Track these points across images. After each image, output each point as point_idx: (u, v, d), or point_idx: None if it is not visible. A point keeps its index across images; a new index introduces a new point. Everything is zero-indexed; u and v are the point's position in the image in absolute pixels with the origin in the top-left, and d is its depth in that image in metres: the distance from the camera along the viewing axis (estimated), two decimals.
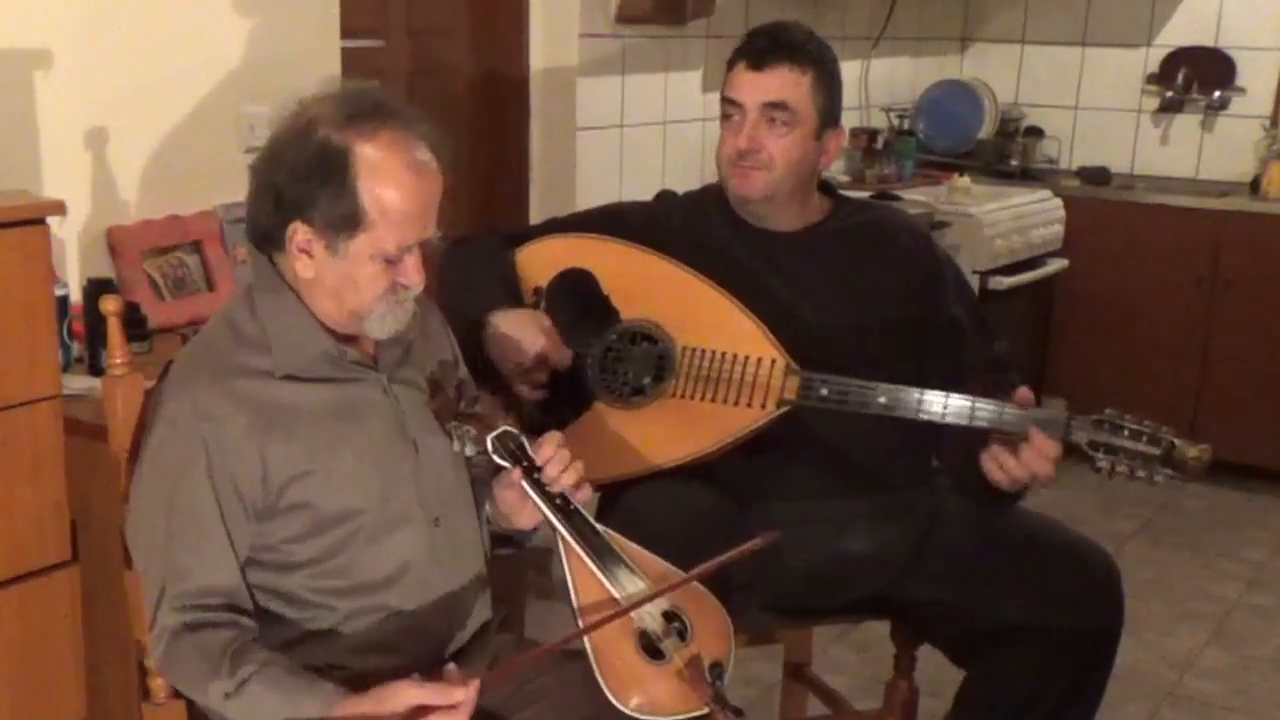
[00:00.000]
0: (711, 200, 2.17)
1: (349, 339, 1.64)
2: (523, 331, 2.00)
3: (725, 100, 2.09)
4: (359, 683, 1.53)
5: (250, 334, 1.60)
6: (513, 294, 2.10)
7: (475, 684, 1.45)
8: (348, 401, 1.62)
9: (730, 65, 2.10)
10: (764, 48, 2.06)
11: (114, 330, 1.69)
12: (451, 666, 1.50)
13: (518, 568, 2.44)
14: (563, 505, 1.64)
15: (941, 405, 1.88)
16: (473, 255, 2.15)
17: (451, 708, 1.44)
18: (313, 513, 1.58)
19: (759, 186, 2.07)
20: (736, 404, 1.98)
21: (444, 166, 1.59)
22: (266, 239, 1.60)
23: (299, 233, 1.55)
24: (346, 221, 1.53)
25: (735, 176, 2.08)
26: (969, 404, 1.87)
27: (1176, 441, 1.80)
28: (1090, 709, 2.05)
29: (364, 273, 1.56)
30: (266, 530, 1.58)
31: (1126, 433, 1.82)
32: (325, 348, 1.60)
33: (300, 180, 1.53)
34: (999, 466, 1.88)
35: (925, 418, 1.89)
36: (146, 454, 1.59)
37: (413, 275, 1.59)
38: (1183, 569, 3.82)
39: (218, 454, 1.54)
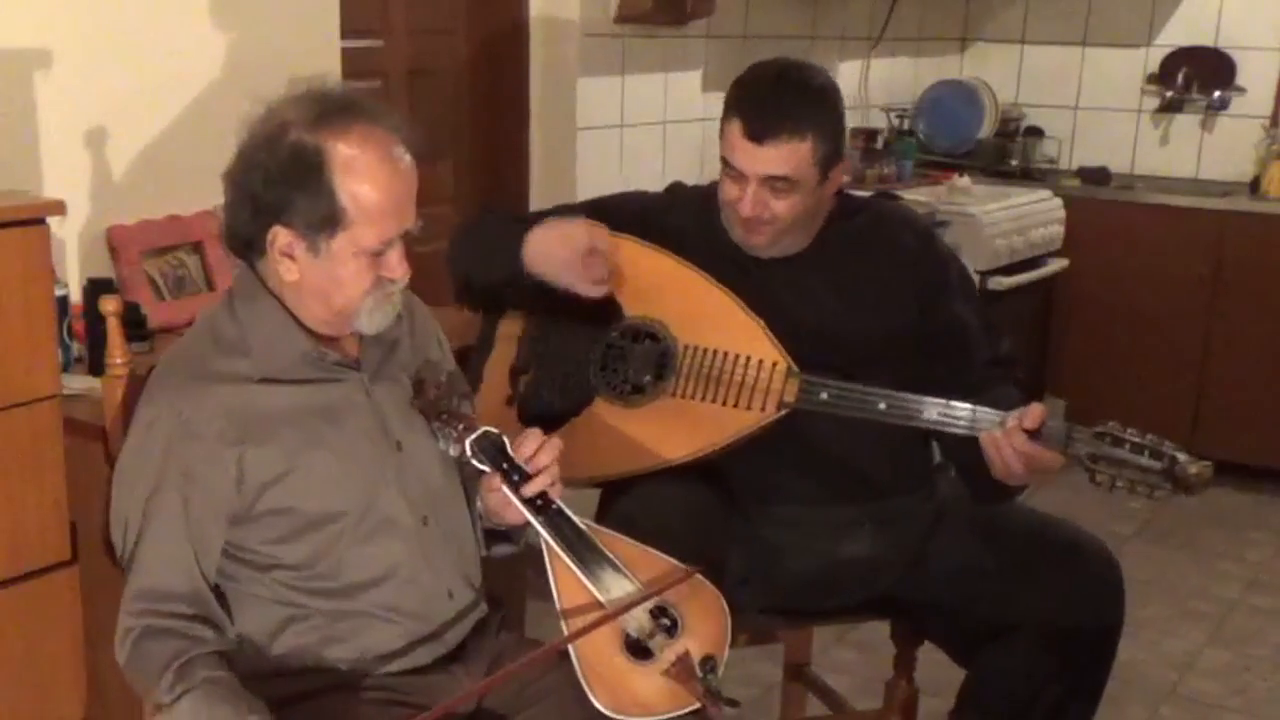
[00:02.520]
0: (719, 201, 2.16)
1: (330, 340, 1.64)
2: (563, 231, 2.00)
3: (724, 159, 2.02)
4: (350, 684, 1.54)
5: (230, 338, 1.60)
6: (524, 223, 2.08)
7: None
8: (327, 402, 1.62)
9: (727, 113, 2.01)
10: (761, 116, 1.96)
11: (114, 330, 1.70)
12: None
13: (517, 568, 2.44)
14: (543, 506, 1.64)
15: (941, 412, 1.88)
16: (489, 219, 2.15)
17: None
18: (293, 515, 1.58)
19: (763, 240, 2.05)
20: (736, 405, 1.98)
21: (419, 157, 1.59)
22: (247, 247, 1.60)
23: (279, 237, 1.55)
24: (326, 221, 1.53)
25: (740, 229, 2.05)
26: (970, 411, 1.87)
27: (1179, 456, 1.76)
28: (1090, 706, 2.05)
29: (348, 270, 1.56)
30: (244, 534, 1.58)
31: (1128, 447, 1.78)
32: (305, 349, 1.60)
33: (276, 185, 1.53)
34: (996, 451, 1.85)
35: (925, 424, 1.89)
36: (123, 457, 1.60)
37: (396, 268, 1.59)
38: (1183, 569, 3.82)
39: (192, 460, 1.54)
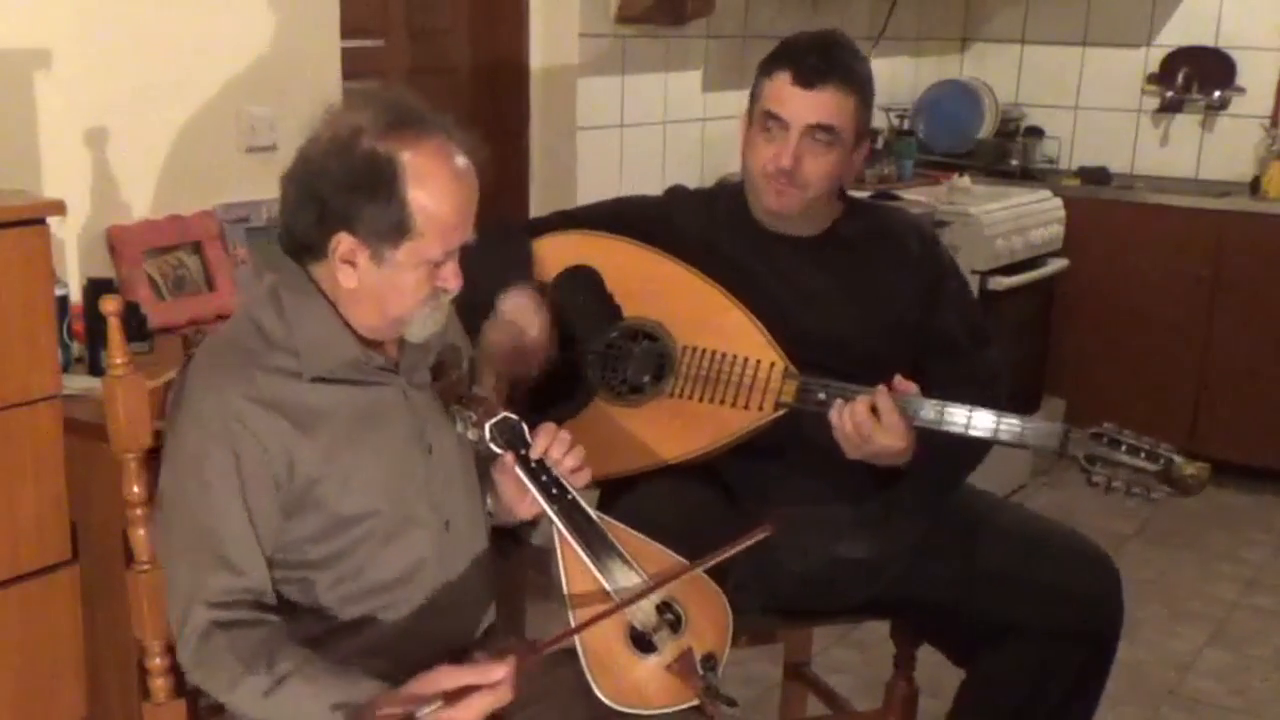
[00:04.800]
0: (724, 201, 2.16)
1: (374, 344, 1.64)
2: (518, 317, 1.99)
3: (767, 114, 2.02)
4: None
5: (277, 335, 1.59)
6: (526, 274, 2.09)
7: (513, 660, 1.45)
8: (370, 405, 1.62)
9: (769, 71, 2.03)
10: (816, 66, 1.98)
11: (114, 330, 1.69)
12: (480, 653, 1.49)
13: (518, 567, 2.44)
14: (558, 495, 1.64)
15: (937, 412, 1.88)
16: (490, 241, 2.14)
17: (492, 686, 1.44)
18: (330, 514, 1.58)
19: (794, 204, 2.05)
20: (734, 405, 1.99)
21: (479, 169, 1.60)
22: (305, 250, 1.59)
23: (343, 244, 1.54)
24: (394, 231, 1.52)
25: (770, 192, 2.04)
26: (965, 411, 1.87)
27: (1175, 458, 1.77)
28: (1090, 708, 2.06)
29: (408, 280, 1.56)
30: (288, 528, 1.58)
31: (1124, 448, 1.80)
32: (354, 354, 1.60)
33: (347, 191, 1.52)
34: (839, 414, 1.88)
35: (921, 423, 1.89)
36: (174, 452, 1.57)
37: (451, 280, 1.59)
38: (1183, 569, 3.82)
39: (247, 452, 1.53)
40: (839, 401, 1.89)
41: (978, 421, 1.86)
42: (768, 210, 2.07)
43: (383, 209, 1.51)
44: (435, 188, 1.53)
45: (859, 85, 2.01)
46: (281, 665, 1.48)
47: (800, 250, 2.10)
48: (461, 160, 1.56)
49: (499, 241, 2.12)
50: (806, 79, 1.98)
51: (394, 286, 1.56)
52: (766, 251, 2.10)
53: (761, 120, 2.03)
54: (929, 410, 1.88)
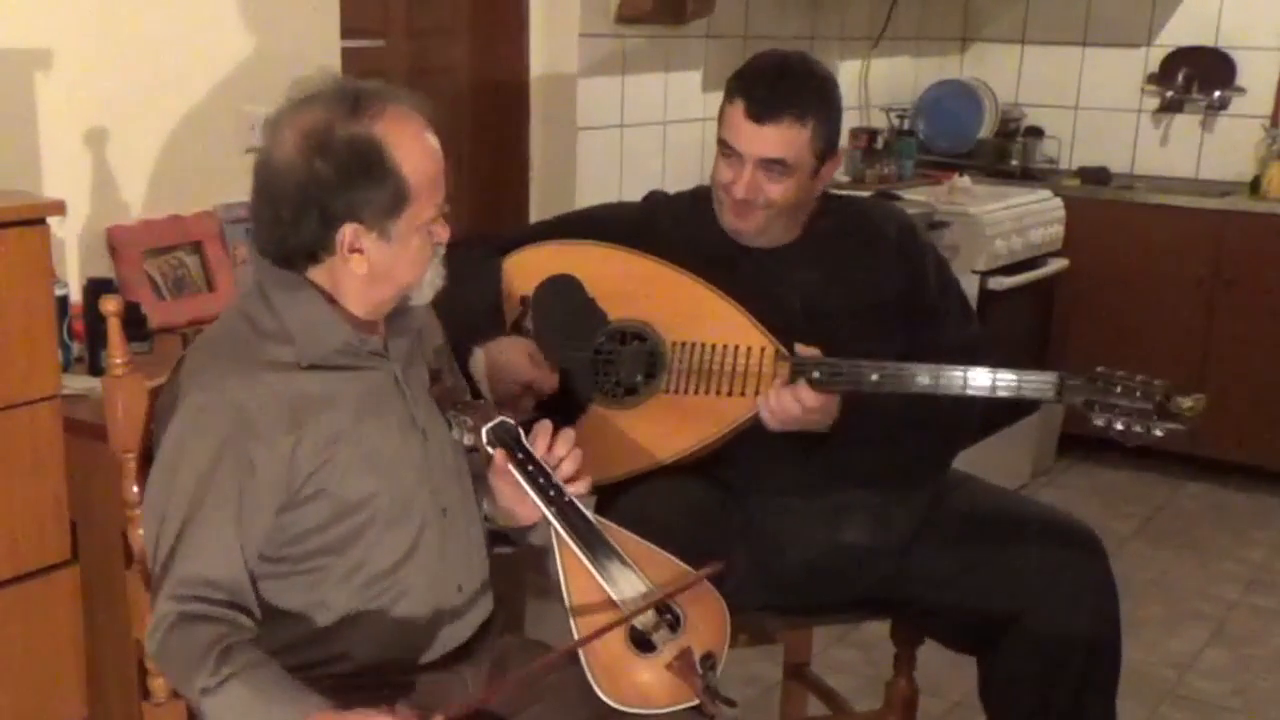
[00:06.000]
0: (703, 201, 2.17)
1: (365, 328, 1.64)
2: (512, 360, 2.01)
3: (723, 141, 2.05)
4: (367, 673, 1.54)
5: (270, 328, 1.59)
6: (498, 310, 2.10)
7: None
8: (366, 391, 1.62)
9: (729, 95, 2.04)
10: (765, 98, 1.99)
11: (114, 330, 1.69)
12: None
13: (518, 568, 2.44)
14: (556, 497, 1.65)
15: (933, 377, 1.89)
16: (462, 271, 2.15)
17: None
18: (333, 499, 1.58)
19: (754, 226, 2.07)
20: (730, 394, 1.99)
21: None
22: (309, 257, 1.59)
23: (349, 234, 1.56)
24: (395, 204, 1.55)
25: (731, 212, 2.07)
26: (960, 374, 1.88)
27: (1171, 392, 1.82)
28: (1109, 695, 2.05)
29: (413, 246, 1.59)
30: (289, 522, 1.57)
31: (1119, 389, 1.83)
32: (346, 337, 1.61)
33: (345, 185, 1.53)
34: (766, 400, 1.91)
35: (918, 389, 1.90)
36: (169, 443, 1.56)
37: (443, 232, 1.64)
38: (1183, 569, 3.82)
39: (246, 445, 1.53)
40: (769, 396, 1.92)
41: (974, 379, 1.87)
42: (731, 230, 2.09)
43: (380, 188, 1.54)
44: (414, 150, 1.56)
45: (813, 110, 2.00)
46: (227, 667, 1.46)
47: (781, 249, 2.12)
48: (419, 115, 1.60)
49: (470, 278, 2.13)
50: (756, 114, 2.00)
51: (403, 257, 1.60)
52: (749, 247, 2.11)
53: (721, 144, 2.06)
54: (925, 375, 1.89)
